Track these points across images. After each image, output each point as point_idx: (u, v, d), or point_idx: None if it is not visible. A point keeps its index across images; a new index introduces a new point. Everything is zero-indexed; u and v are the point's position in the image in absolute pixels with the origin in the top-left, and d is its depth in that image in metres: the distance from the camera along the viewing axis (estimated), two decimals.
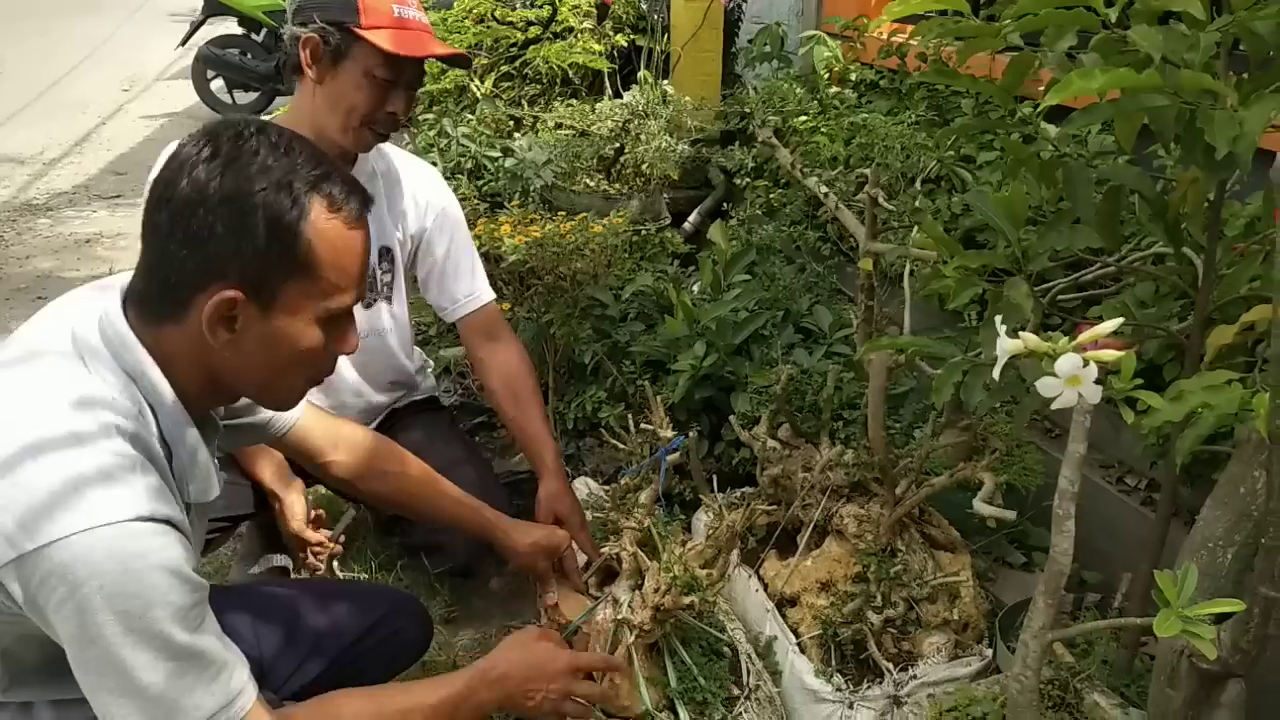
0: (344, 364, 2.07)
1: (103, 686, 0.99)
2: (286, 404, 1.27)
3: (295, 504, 1.94)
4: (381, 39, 1.76)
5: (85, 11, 12.03)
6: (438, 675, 1.34)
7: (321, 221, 1.08)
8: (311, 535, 1.94)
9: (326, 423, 1.63)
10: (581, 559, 1.90)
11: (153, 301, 1.10)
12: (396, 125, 1.89)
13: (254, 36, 7.32)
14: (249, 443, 1.61)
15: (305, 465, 1.77)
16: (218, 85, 7.36)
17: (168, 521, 1.01)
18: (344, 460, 1.64)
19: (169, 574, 0.99)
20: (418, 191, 2.07)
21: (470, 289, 2.11)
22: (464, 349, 2.25)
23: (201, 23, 7.42)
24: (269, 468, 1.93)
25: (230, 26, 7.51)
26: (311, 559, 1.98)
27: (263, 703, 1.11)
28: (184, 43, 7.54)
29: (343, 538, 2.04)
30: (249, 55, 7.24)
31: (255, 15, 7.16)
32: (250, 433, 1.49)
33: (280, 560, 2.11)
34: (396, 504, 1.77)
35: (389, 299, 2.09)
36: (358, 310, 1.99)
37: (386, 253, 2.05)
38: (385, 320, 2.10)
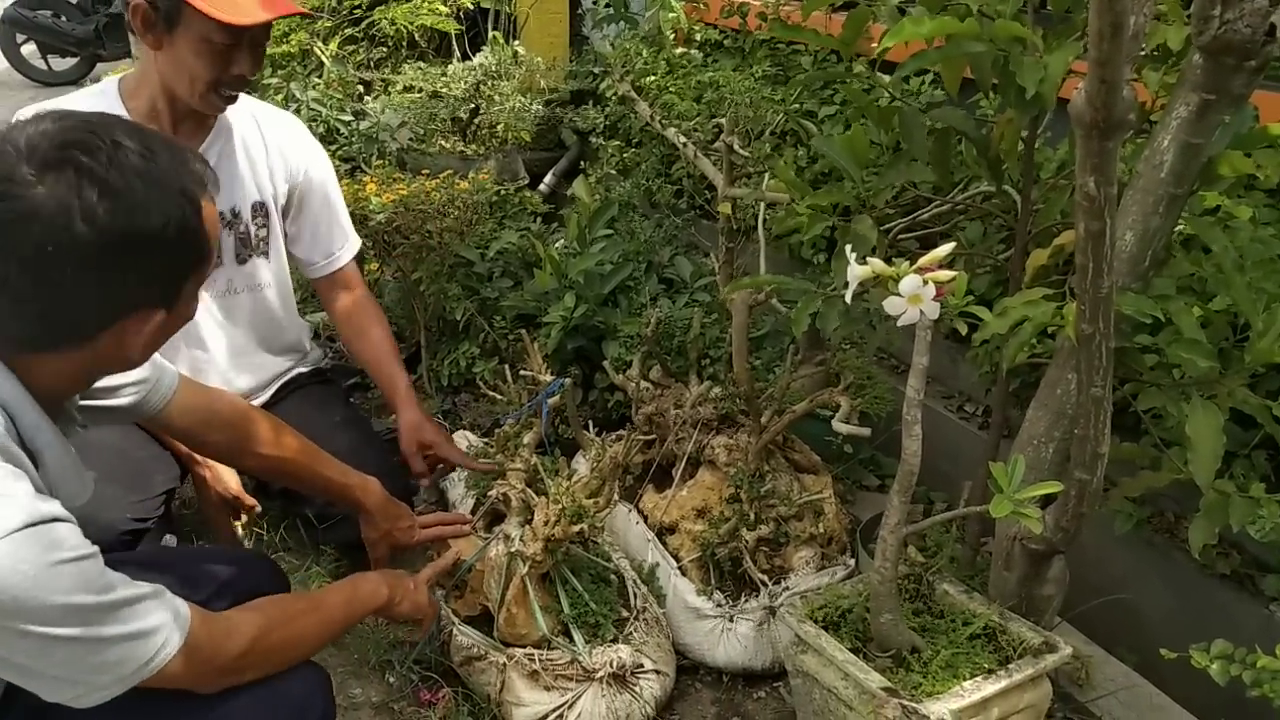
0: (220, 333, 2.03)
1: (54, 662, 1.02)
2: (140, 364, 1.29)
3: (225, 471, 1.92)
4: (209, 5, 1.68)
5: None
6: None
7: (206, 209, 1.13)
8: (248, 499, 1.94)
9: (200, 400, 1.57)
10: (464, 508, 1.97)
11: (41, 340, 1.07)
12: (245, 85, 1.84)
13: None
14: (116, 423, 1.54)
15: (180, 443, 1.75)
16: (30, 50, 6.87)
17: (54, 519, 1.02)
18: (221, 440, 1.61)
19: (71, 564, 1.02)
20: (285, 144, 2.03)
21: (342, 243, 2.12)
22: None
23: None
24: None
25: None
26: (239, 528, 1.98)
27: (197, 608, 1.18)
28: None
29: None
30: (63, 18, 6.77)
31: None
32: (115, 414, 1.44)
33: (170, 541, 2.09)
34: (272, 477, 1.78)
35: (265, 254, 2.05)
36: (232, 267, 1.98)
37: (260, 208, 2.00)
38: (264, 275, 2.06)
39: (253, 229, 2.01)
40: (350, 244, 2.14)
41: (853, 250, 1.32)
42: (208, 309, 1.99)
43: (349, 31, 4.50)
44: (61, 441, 1.14)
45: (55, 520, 1.03)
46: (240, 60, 1.77)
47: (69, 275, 1.02)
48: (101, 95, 1.84)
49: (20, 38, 6.77)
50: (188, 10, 1.70)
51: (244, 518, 2.02)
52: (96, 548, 1.07)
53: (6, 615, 0.97)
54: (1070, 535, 1.39)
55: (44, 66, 6.96)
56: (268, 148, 2.01)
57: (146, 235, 1.04)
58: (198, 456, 1.90)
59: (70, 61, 6.97)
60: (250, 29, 1.75)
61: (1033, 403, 1.49)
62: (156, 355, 1.46)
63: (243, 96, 1.94)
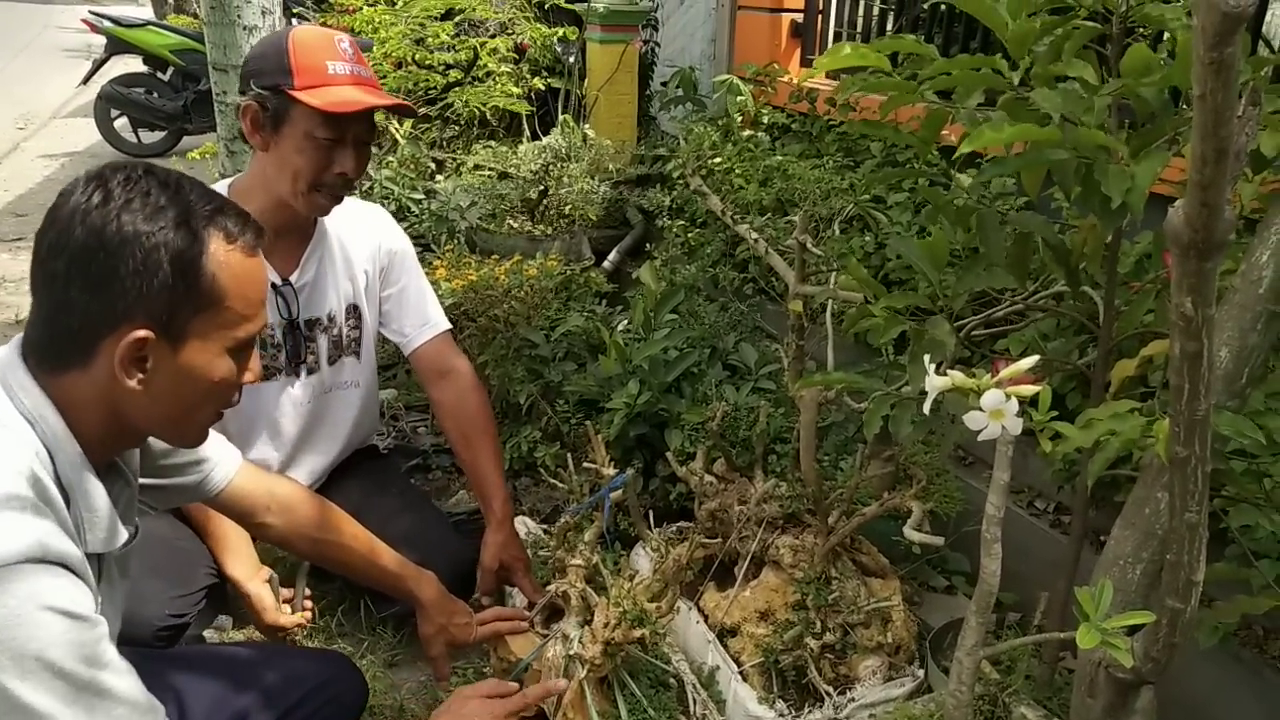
0: (301, 429, 2.04)
1: None
2: (194, 440, 1.26)
3: (264, 595, 1.86)
4: (314, 98, 1.72)
5: None
6: None
7: (221, 254, 1.10)
8: (285, 620, 1.87)
9: (261, 483, 1.59)
10: (523, 600, 1.94)
11: (54, 351, 1.08)
12: (348, 185, 1.85)
13: (160, 75, 7.17)
14: (180, 503, 1.56)
15: (237, 523, 1.74)
16: (121, 124, 7.19)
17: (61, 563, 0.99)
18: (277, 524, 1.61)
19: (62, 615, 0.96)
20: (371, 238, 2.07)
21: (424, 319, 2.11)
22: (395, 392, 2.26)
23: (104, 61, 7.25)
24: (235, 562, 1.86)
25: (134, 65, 7.35)
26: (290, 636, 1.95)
27: None
28: (86, 81, 7.36)
29: (309, 602, 1.98)
30: (155, 94, 7.09)
31: (161, 54, 7.02)
32: (180, 493, 1.46)
33: (225, 622, 2.08)
34: (327, 565, 1.75)
35: (355, 354, 2.09)
36: (325, 369, 2.00)
37: (354, 310, 2.04)
38: (352, 373, 2.10)
39: (345, 329, 2.05)
40: (432, 322, 2.12)
41: (930, 358, 1.28)
42: (297, 408, 2.02)
43: (423, 111, 4.63)
44: (95, 482, 1.11)
45: (63, 566, 0.98)
46: (343, 158, 1.79)
47: (62, 275, 1.05)
48: None
49: (114, 113, 7.10)
50: (295, 108, 1.74)
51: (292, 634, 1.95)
52: (103, 620, 1.02)
53: None
54: (1161, 666, 1.31)
55: (134, 139, 7.27)
56: (358, 237, 2.04)
57: (124, 239, 1.04)
58: (241, 583, 1.84)
59: (158, 135, 7.27)
60: (353, 126, 1.78)
61: (1118, 521, 1.41)
62: (219, 436, 1.50)
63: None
